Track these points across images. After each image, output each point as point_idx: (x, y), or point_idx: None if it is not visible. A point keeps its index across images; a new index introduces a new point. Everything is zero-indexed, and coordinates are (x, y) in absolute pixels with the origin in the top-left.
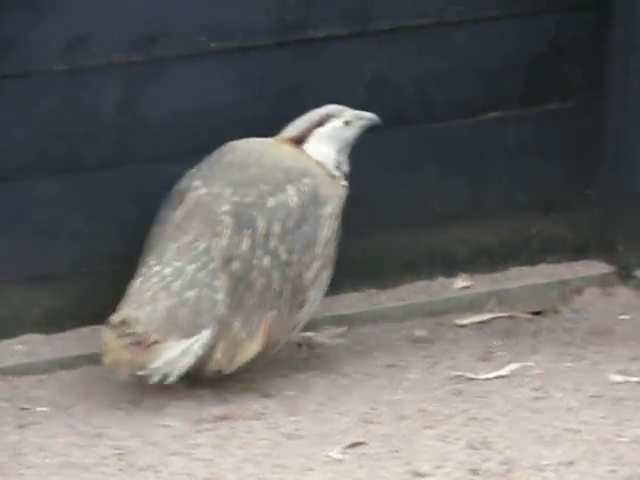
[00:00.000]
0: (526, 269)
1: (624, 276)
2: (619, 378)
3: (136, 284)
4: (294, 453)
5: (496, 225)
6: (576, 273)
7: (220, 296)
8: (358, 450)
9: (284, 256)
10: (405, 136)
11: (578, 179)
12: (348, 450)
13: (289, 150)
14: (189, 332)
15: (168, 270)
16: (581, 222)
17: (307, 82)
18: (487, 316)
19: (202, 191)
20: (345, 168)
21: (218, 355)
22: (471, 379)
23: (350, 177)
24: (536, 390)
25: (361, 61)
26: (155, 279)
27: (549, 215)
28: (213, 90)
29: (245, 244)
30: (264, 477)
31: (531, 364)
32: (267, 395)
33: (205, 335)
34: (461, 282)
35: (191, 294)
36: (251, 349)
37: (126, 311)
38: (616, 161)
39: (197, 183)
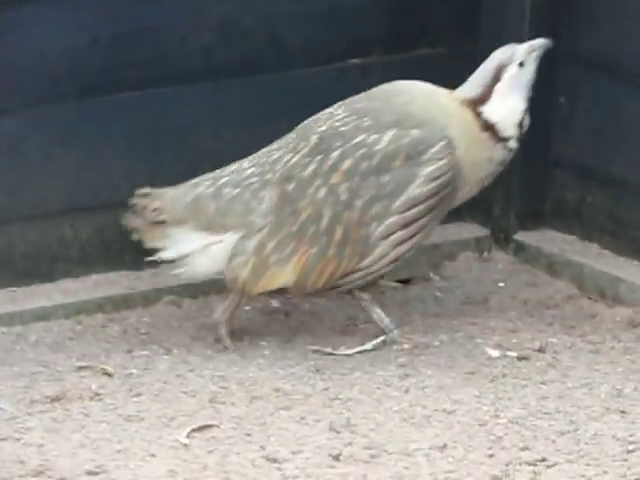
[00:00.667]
0: None
1: (501, 240)
2: (496, 353)
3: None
4: (136, 437)
5: None
6: (448, 236)
7: (262, 207)
8: (207, 434)
9: (344, 196)
10: (257, 85)
11: None
12: (196, 434)
13: (441, 102)
14: (209, 227)
15: (235, 166)
16: None
17: (147, 26)
18: None
19: (331, 109)
20: (527, 121)
21: (244, 273)
22: (331, 354)
23: (195, 132)
24: (404, 366)
25: (207, 2)
26: (218, 172)
27: None
28: (43, 36)
29: (310, 169)
30: (102, 464)
31: (397, 338)
32: (106, 373)
33: (231, 238)
34: None
35: (230, 191)
36: (279, 278)
37: (161, 189)
38: None
39: (340, 102)
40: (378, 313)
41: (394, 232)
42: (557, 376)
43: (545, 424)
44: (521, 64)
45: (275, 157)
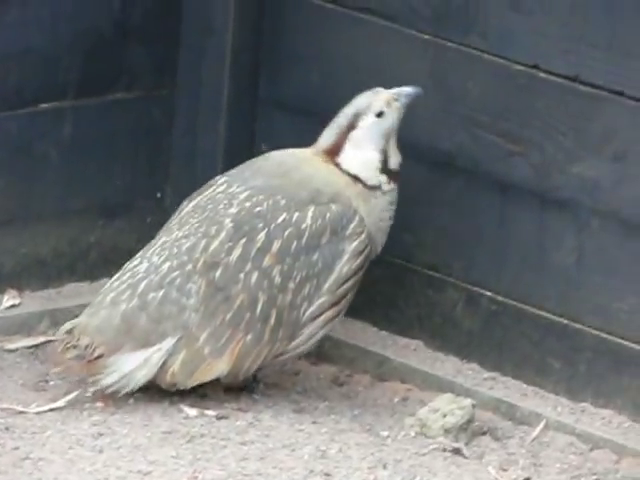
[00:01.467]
0: (85, 285)
1: None
2: (194, 411)
3: (112, 280)
4: None
5: (49, 233)
6: None
7: (191, 302)
8: None
9: (277, 279)
10: None
11: (147, 180)
12: None
13: (323, 168)
14: (147, 342)
15: (144, 266)
16: (152, 230)
17: None
18: (40, 339)
19: (220, 188)
20: (395, 160)
21: (175, 367)
22: (22, 412)
23: None
24: (97, 425)
25: None
26: (127, 275)
27: (112, 222)
28: None
29: (235, 253)
30: None
31: (90, 395)
32: None
33: (168, 344)
34: (9, 300)
35: (155, 296)
36: (214, 369)
37: (79, 319)
38: (189, 160)
39: (222, 179)
40: None
41: (324, 312)
42: (258, 436)
43: None
44: (380, 114)
45: (188, 245)
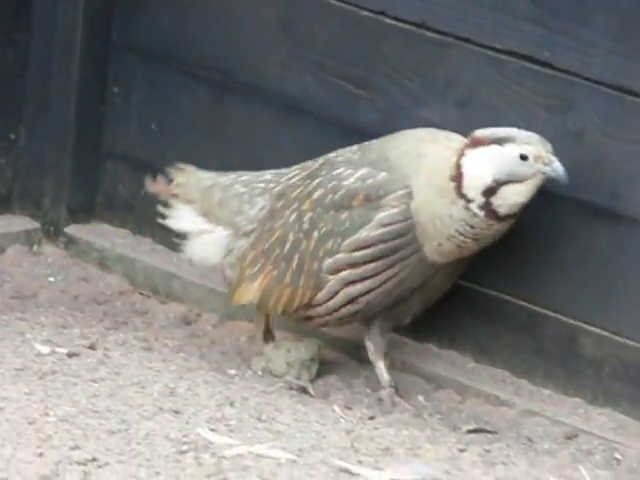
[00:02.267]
0: None
1: (52, 233)
2: (45, 349)
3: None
4: None
5: None
6: None
7: (251, 212)
8: None
9: (306, 225)
10: None
11: (0, 122)
12: None
13: (422, 151)
14: (207, 215)
15: (262, 172)
16: (4, 171)
17: None
18: None
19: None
20: (503, 208)
21: (233, 277)
22: None
23: None
24: None
25: None
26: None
27: None
28: None
29: (297, 191)
30: None
31: None
32: None
33: (220, 234)
34: None
35: (238, 189)
36: (247, 294)
37: (195, 169)
38: (42, 102)
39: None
40: (380, 367)
41: (342, 269)
42: (108, 374)
43: (96, 423)
44: (523, 157)
45: (289, 173)
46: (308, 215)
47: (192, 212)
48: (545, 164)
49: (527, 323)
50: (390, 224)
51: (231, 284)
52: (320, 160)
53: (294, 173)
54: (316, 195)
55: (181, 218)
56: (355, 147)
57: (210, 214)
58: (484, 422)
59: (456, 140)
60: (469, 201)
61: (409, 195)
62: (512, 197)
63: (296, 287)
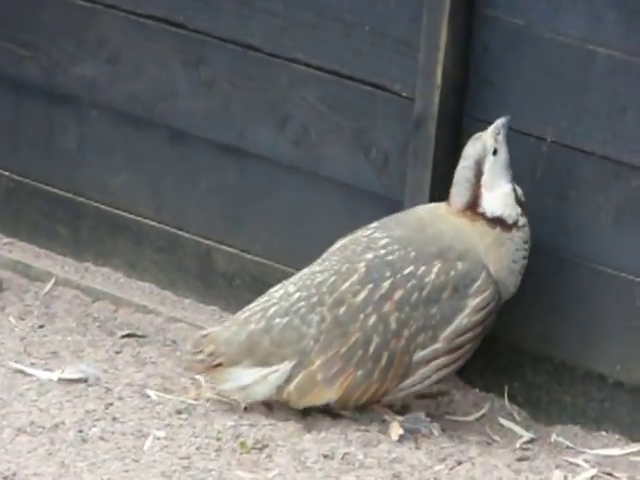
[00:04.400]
0: None
1: None
2: None
3: (255, 301)
4: None
5: None
6: None
7: (312, 331)
8: None
9: (393, 325)
10: None
11: None
12: None
13: (457, 223)
14: (266, 362)
15: (279, 293)
16: None
17: None
18: None
19: (366, 232)
20: (519, 189)
21: (291, 387)
22: None
23: None
24: None
25: None
26: (265, 299)
27: None
28: None
29: (361, 296)
30: None
31: None
32: None
33: (285, 367)
34: None
35: (280, 321)
36: (324, 395)
37: (214, 328)
38: None
39: (373, 225)
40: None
41: (438, 357)
42: None
43: None
44: (494, 152)
45: (320, 279)
46: (394, 315)
47: (246, 368)
48: (498, 134)
49: (170, 244)
50: (485, 307)
51: (289, 393)
52: (360, 263)
53: (326, 278)
54: (397, 296)
55: (237, 380)
56: (385, 240)
57: (270, 358)
58: (135, 328)
59: (443, 209)
60: (517, 222)
61: (491, 275)
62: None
63: (384, 380)
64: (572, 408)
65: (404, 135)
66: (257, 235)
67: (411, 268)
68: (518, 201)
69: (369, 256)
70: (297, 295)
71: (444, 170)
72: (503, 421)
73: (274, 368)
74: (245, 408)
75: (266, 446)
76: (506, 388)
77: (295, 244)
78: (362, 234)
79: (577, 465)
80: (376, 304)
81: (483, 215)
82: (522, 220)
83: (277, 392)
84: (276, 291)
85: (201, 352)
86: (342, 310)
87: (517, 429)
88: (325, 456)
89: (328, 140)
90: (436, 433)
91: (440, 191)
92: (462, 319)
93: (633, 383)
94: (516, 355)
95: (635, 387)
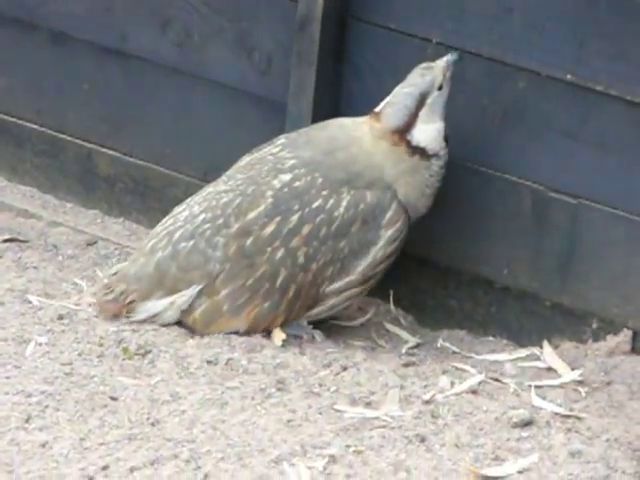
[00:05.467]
0: None
1: None
2: None
3: (161, 222)
4: None
5: None
6: None
7: (217, 254)
8: None
9: (301, 259)
10: None
11: None
12: None
13: (371, 147)
14: (175, 289)
15: (184, 214)
16: None
17: None
18: None
19: (274, 150)
20: (447, 131)
21: (196, 315)
22: None
23: None
24: None
25: None
26: (170, 222)
27: None
28: None
29: (268, 229)
30: None
31: None
32: None
33: (192, 291)
34: None
35: (186, 245)
36: (231, 325)
37: (122, 264)
38: None
39: (280, 141)
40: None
41: (350, 288)
42: None
43: None
44: (440, 87)
45: (225, 200)
46: (302, 250)
47: (158, 299)
48: (447, 70)
49: (51, 147)
50: (398, 237)
51: (195, 320)
52: (267, 191)
53: (231, 199)
54: (305, 231)
55: (149, 310)
56: (293, 161)
57: (177, 286)
58: (17, 232)
59: (362, 129)
60: (438, 152)
61: (400, 204)
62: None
63: (291, 311)
64: (459, 313)
65: (288, 37)
66: (139, 138)
67: (319, 202)
68: (445, 140)
69: (276, 184)
70: (202, 217)
71: (328, 71)
72: (389, 326)
73: (181, 293)
74: None
75: (149, 352)
76: (391, 292)
77: (177, 147)
78: (269, 151)
79: (464, 370)
80: (284, 238)
81: (408, 142)
82: (443, 151)
83: (183, 317)
84: (180, 212)
85: (112, 292)
86: (249, 241)
87: (403, 334)
88: (209, 362)
89: (211, 42)
90: (319, 339)
91: (324, 92)
92: (377, 251)
93: (520, 287)
94: (401, 259)
95: (522, 291)
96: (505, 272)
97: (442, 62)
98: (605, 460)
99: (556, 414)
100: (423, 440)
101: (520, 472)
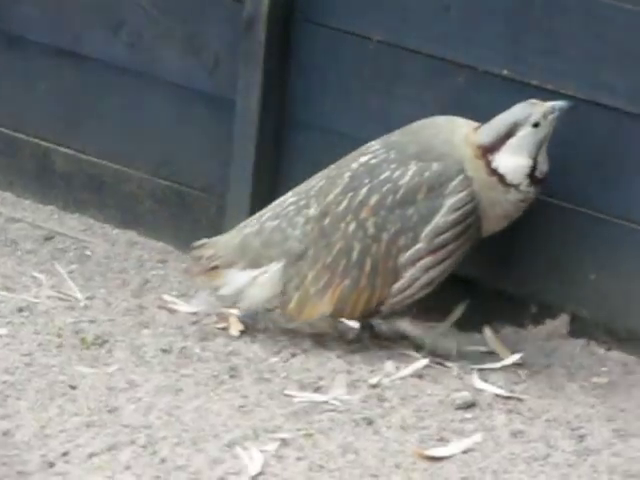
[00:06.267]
0: None
1: None
2: None
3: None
4: None
5: None
6: None
7: (296, 233)
8: None
9: (371, 230)
10: None
11: None
12: None
13: (460, 144)
14: (256, 263)
15: (281, 199)
16: None
17: None
18: None
19: (369, 144)
20: (543, 169)
21: (292, 304)
22: None
23: None
24: None
25: None
26: (270, 206)
27: None
28: None
29: (343, 205)
30: None
31: None
32: None
33: (272, 268)
34: None
35: (271, 224)
36: (318, 308)
37: (217, 237)
38: None
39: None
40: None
41: (421, 258)
42: None
43: None
44: (535, 124)
45: (312, 184)
46: (371, 221)
47: (239, 271)
48: (552, 112)
49: (8, 147)
50: (461, 207)
51: (290, 310)
52: (346, 172)
53: (316, 182)
54: (373, 201)
55: (233, 281)
56: (377, 146)
57: (259, 260)
58: None
59: (461, 128)
60: (518, 186)
61: (468, 179)
62: (543, 156)
63: (374, 287)
64: None
65: (235, 37)
66: (93, 136)
67: (387, 173)
68: (531, 176)
69: (354, 165)
70: (290, 200)
71: (274, 71)
72: None
73: (263, 269)
74: (85, 306)
75: (106, 341)
76: None
77: (130, 144)
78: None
79: (409, 355)
80: (354, 211)
81: (488, 162)
82: (525, 188)
83: (281, 306)
84: (283, 200)
85: (201, 257)
86: (327, 221)
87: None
88: (163, 350)
89: (161, 43)
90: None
91: (269, 91)
92: (439, 218)
93: (462, 274)
94: None
95: (464, 278)
96: None
97: (549, 103)
98: (545, 439)
99: (498, 396)
100: (370, 423)
101: (464, 452)
